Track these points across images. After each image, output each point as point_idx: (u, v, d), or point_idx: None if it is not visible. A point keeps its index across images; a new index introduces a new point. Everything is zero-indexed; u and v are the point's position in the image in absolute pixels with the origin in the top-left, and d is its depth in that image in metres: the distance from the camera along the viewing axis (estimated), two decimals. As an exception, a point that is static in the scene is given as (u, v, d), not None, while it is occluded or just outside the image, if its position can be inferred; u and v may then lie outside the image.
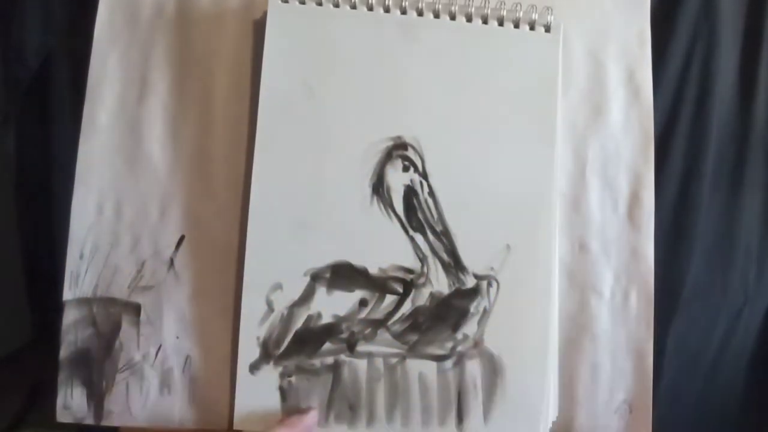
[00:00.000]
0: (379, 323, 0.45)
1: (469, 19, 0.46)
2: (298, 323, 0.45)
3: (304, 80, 0.45)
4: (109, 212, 0.46)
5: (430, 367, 0.45)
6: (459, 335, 0.45)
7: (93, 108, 0.47)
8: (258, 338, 0.45)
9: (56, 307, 0.46)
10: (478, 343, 0.45)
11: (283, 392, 0.45)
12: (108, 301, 0.46)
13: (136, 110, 0.47)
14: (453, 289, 0.45)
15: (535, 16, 0.45)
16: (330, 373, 0.45)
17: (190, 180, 0.46)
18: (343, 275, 0.45)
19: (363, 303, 0.45)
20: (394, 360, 0.45)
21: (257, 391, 0.45)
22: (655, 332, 0.46)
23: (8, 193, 0.49)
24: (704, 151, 0.48)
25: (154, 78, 0.47)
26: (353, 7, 0.45)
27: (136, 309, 0.46)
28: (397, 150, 0.45)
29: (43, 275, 0.48)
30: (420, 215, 0.45)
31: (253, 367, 0.45)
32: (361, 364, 0.45)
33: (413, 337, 0.45)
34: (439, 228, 0.45)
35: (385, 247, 0.45)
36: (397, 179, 0.45)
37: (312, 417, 0.44)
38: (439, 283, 0.45)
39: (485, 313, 0.45)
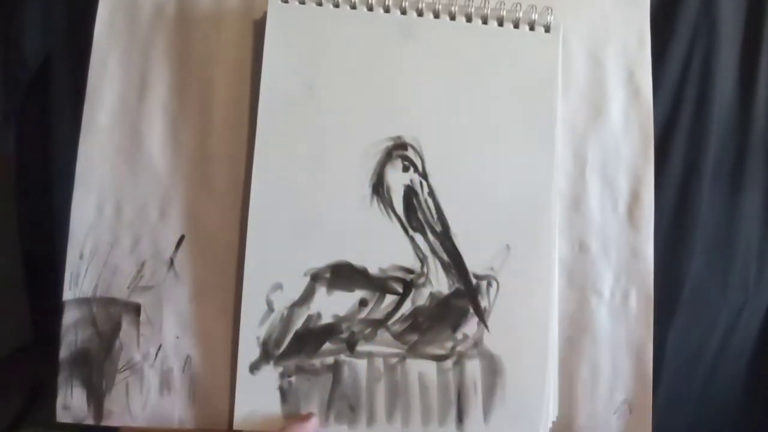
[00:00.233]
0: (379, 323, 0.45)
1: (469, 19, 0.46)
2: (298, 323, 0.45)
3: (304, 80, 0.45)
4: (109, 212, 0.46)
5: (430, 367, 0.45)
6: (459, 335, 0.45)
7: (93, 108, 0.47)
8: (258, 338, 0.45)
9: (56, 307, 0.46)
10: (477, 343, 0.45)
11: (283, 392, 0.45)
12: (108, 301, 0.46)
13: (136, 110, 0.47)
14: (453, 289, 0.45)
15: (534, 16, 0.45)
16: (330, 373, 0.45)
17: (190, 180, 0.46)
18: (343, 275, 0.45)
19: (363, 303, 0.45)
20: (394, 360, 0.45)
21: (257, 391, 0.45)
22: (654, 332, 0.46)
23: (8, 193, 0.49)
24: (704, 150, 0.48)
25: (154, 78, 0.47)
26: (353, 7, 0.45)
27: (136, 309, 0.46)
28: (397, 150, 0.45)
29: (43, 275, 0.48)
30: (420, 215, 0.45)
31: (253, 367, 0.45)
32: (361, 364, 0.45)
33: (413, 337, 0.45)
34: (439, 228, 0.45)
35: (385, 247, 0.45)
36: (397, 179, 0.45)
37: (313, 423, 0.44)
38: (439, 283, 0.45)
39: (485, 313, 0.45)
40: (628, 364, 0.46)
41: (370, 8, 0.45)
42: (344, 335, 0.45)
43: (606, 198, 0.47)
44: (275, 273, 0.45)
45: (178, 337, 0.46)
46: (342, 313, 0.45)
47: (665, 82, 0.48)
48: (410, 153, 0.45)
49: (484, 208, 0.45)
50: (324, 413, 0.45)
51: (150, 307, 0.46)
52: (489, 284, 0.45)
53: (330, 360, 0.45)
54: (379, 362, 0.45)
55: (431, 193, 0.45)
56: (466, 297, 0.45)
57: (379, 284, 0.45)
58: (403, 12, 0.46)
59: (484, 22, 0.46)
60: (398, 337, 0.45)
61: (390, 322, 0.45)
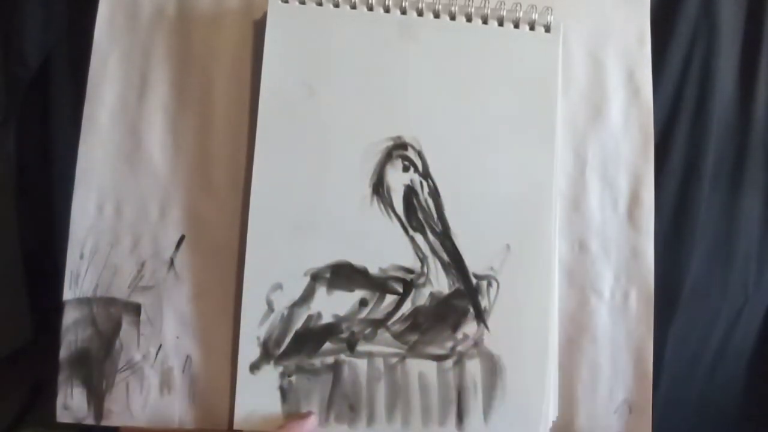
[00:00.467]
0: (379, 323, 0.45)
1: (469, 19, 0.46)
2: (299, 323, 0.45)
3: (304, 80, 0.45)
4: (109, 212, 0.46)
5: (430, 367, 0.45)
6: (459, 335, 0.45)
7: (93, 108, 0.47)
8: (258, 338, 0.45)
9: (56, 307, 0.46)
10: (478, 343, 0.45)
11: (284, 392, 0.45)
12: (108, 301, 0.46)
13: (136, 110, 0.47)
14: (453, 289, 0.45)
15: (535, 16, 0.45)
16: (330, 373, 0.45)
17: (190, 180, 0.46)
18: (343, 275, 0.45)
19: (363, 303, 0.45)
20: (394, 360, 0.45)
21: (257, 390, 0.45)
22: (654, 332, 0.46)
23: (8, 193, 0.49)
24: (704, 150, 0.48)
25: (154, 78, 0.47)
26: (353, 7, 0.45)
27: (136, 309, 0.46)
28: (397, 150, 0.45)
29: (43, 275, 0.48)
30: (420, 215, 0.45)
31: (254, 367, 0.45)
32: (361, 364, 0.45)
33: (413, 337, 0.45)
34: (439, 228, 0.45)
35: (385, 247, 0.45)
36: (397, 179, 0.45)
37: (312, 422, 0.44)
38: (439, 283, 0.45)
39: (485, 313, 0.45)
40: (628, 364, 0.46)
41: (370, 8, 0.45)
42: (344, 335, 0.45)
43: (606, 198, 0.47)
44: (275, 273, 0.45)
45: (178, 337, 0.46)
46: (342, 313, 0.45)
47: (665, 82, 0.48)
48: (410, 153, 0.45)
49: (484, 207, 0.45)
50: (324, 413, 0.45)
51: (150, 307, 0.46)
52: (489, 284, 0.45)
53: (330, 360, 0.45)
54: (379, 362, 0.45)
55: (431, 193, 0.45)
56: (466, 297, 0.45)
57: (379, 284, 0.45)
58: (403, 12, 0.46)
59: (484, 22, 0.46)
60: (398, 337, 0.45)
61: (390, 322, 0.45)
